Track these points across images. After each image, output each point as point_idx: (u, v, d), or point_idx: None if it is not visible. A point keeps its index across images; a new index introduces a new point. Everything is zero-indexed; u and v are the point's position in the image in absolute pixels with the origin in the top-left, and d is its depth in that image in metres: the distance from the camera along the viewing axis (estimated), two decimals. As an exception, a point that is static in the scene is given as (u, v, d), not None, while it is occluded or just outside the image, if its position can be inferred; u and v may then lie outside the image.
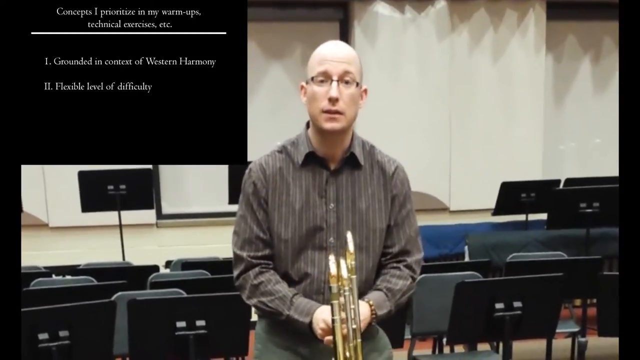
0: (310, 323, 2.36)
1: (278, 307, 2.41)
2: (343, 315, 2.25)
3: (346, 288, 2.25)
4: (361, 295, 2.40)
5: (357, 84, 2.39)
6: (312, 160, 2.45)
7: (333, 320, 2.25)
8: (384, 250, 2.51)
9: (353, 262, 2.30)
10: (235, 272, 2.50)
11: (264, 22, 6.85)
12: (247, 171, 2.50)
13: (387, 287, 2.47)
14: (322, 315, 2.33)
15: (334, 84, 2.35)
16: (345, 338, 2.25)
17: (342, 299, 2.25)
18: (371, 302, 2.41)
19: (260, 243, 2.46)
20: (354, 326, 2.27)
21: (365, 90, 2.46)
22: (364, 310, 2.38)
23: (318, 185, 2.45)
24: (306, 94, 2.43)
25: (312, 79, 2.38)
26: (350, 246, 2.32)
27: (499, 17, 7.14)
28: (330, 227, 2.43)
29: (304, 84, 2.44)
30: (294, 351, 2.49)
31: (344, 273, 2.25)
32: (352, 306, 2.27)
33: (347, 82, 2.36)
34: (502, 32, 7.16)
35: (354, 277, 2.28)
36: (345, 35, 6.98)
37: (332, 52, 2.38)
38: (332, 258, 2.28)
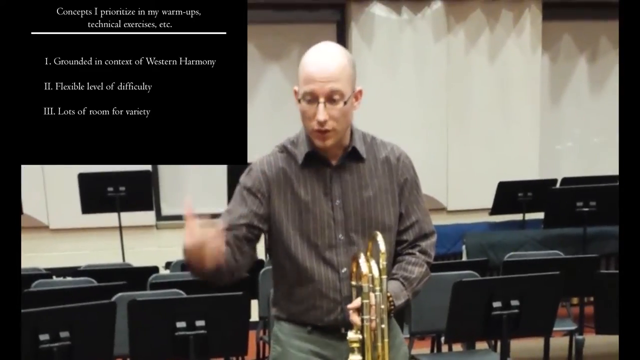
0: None
1: None
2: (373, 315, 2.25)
3: (377, 289, 2.25)
4: None
5: (345, 102, 2.31)
6: (313, 158, 2.42)
7: (362, 320, 2.25)
8: (397, 238, 2.49)
9: (385, 263, 2.30)
10: None
11: (262, 24, 6.87)
12: (246, 170, 2.47)
13: (403, 276, 2.43)
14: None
15: (321, 106, 2.29)
16: (375, 337, 2.26)
17: (372, 299, 2.26)
18: (389, 294, 2.36)
19: (244, 229, 2.43)
20: (383, 326, 2.27)
21: (360, 91, 2.39)
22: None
23: (322, 183, 2.41)
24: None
25: (299, 100, 2.33)
26: (382, 246, 2.30)
27: (495, 17, 7.16)
28: (338, 224, 2.40)
29: (296, 88, 2.37)
30: (315, 354, 2.45)
31: (375, 273, 2.26)
32: (383, 306, 2.27)
33: (334, 101, 2.30)
34: (498, 33, 7.19)
35: (384, 277, 2.28)
36: (342, 37, 7.01)
37: (318, 70, 2.29)
38: (362, 258, 2.27)
